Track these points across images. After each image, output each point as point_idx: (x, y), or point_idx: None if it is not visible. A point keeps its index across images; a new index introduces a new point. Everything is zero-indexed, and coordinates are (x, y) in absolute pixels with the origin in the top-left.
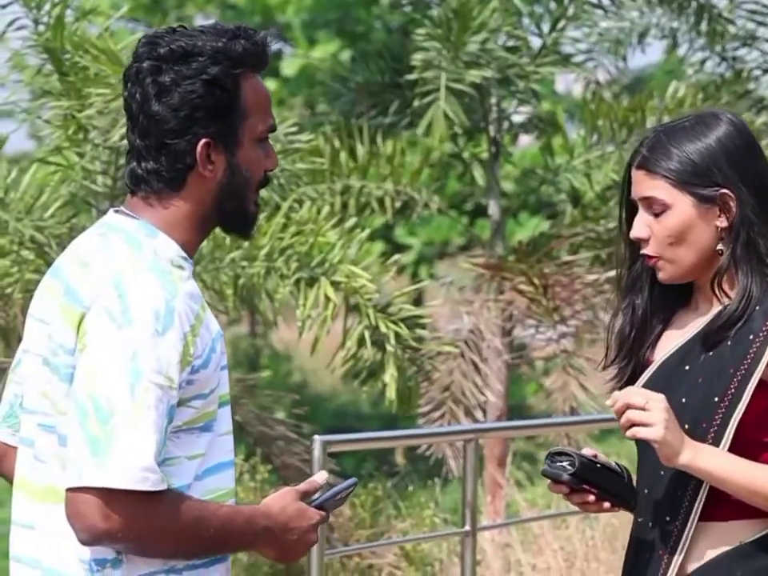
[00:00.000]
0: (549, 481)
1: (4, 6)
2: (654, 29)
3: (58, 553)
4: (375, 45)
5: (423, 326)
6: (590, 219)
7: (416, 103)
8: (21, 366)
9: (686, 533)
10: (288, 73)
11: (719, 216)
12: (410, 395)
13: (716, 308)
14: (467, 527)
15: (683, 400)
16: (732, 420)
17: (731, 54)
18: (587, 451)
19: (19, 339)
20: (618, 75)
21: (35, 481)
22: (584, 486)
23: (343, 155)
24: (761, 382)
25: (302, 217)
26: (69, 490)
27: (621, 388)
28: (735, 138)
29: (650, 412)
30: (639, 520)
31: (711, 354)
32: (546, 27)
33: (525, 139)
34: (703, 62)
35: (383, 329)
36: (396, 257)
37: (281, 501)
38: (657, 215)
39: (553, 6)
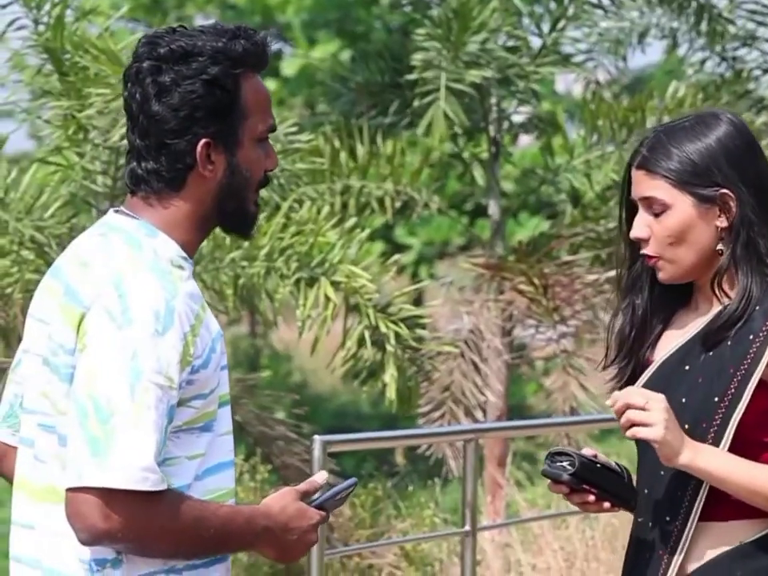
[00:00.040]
0: (549, 481)
1: (4, 6)
2: (654, 29)
3: (58, 553)
4: (375, 45)
5: (423, 326)
6: (590, 219)
7: (416, 103)
8: (21, 365)
9: (686, 533)
10: (288, 73)
11: (719, 216)
12: (410, 395)
13: (716, 308)
14: (467, 527)
15: (683, 400)
16: (732, 420)
17: (731, 54)
18: (587, 451)
19: (19, 339)
20: (618, 75)
21: (35, 481)
22: (584, 486)
23: (343, 155)
24: (761, 381)
25: (301, 217)
26: (69, 489)
27: (621, 388)
28: (735, 137)
29: (650, 412)
30: (639, 520)
31: (711, 353)
32: (546, 27)
33: (525, 139)
34: (703, 62)
35: (383, 329)
36: (396, 257)
37: (281, 501)
38: (657, 215)
39: (553, 5)
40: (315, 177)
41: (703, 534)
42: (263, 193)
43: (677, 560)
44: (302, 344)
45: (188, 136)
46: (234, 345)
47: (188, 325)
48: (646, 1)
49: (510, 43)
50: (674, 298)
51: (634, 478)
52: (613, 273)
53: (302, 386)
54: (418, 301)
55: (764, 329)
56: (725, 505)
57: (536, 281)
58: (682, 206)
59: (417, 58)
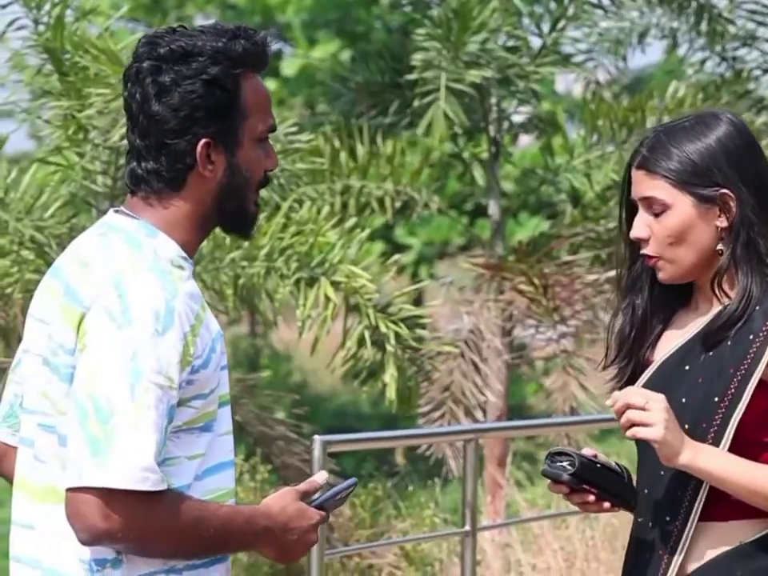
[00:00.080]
0: (549, 481)
1: (4, 6)
2: (654, 29)
3: (58, 553)
4: (375, 45)
5: (423, 326)
6: (590, 219)
7: (416, 103)
8: (21, 366)
9: (686, 533)
10: (288, 73)
11: (719, 216)
12: (410, 395)
13: (716, 308)
14: (467, 527)
15: (683, 400)
16: (732, 420)
17: (731, 54)
18: (587, 451)
19: (19, 339)
20: (618, 75)
21: (35, 481)
22: (584, 486)
23: (343, 155)
24: (761, 381)
25: (302, 217)
26: (69, 489)
27: (621, 388)
28: (735, 137)
29: (650, 412)
30: (639, 520)
31: (711, 353)
32: (546, 27)
33: (525, 139)
34: (703, 62)
35: (383, 329)
36: (396, 257)
37: (281, 501)
38: (657, 215)
39: (553, 5)
40: (315, 177)
41: (703, 534)
42: (263, 193)
43: (677, 560)
44: (302, 344)
45: (188, 136)
46: (233, 345)
47: (188, 325)
48: (646, 1)
49: (510, 43)
50: (674, 298)
51: (634, 477)
52: (613, 273)
53: (302, 386)
54: (417, 301)
55: (764, 329)
56: (725, 505)
57: (536, 281)
58: (682, 206)
59: (417, 58)
